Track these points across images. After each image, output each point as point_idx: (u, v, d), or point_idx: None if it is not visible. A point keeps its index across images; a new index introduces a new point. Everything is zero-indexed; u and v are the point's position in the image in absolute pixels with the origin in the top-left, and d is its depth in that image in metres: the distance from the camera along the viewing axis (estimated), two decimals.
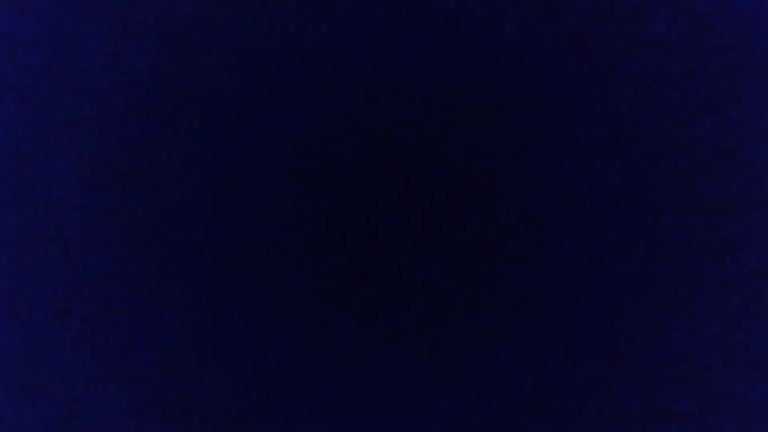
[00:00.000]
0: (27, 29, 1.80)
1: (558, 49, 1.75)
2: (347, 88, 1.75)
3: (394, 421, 1.72)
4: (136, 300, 1.75)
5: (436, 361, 1.72)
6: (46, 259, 1.77)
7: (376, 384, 1.72)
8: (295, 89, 1.75)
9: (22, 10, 1.79)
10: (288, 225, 1.74)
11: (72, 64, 1.79)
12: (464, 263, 1.72)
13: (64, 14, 1.79)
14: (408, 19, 1.75)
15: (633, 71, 1.75)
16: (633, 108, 1.75)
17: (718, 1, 1.76)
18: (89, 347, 1.75)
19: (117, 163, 1.77)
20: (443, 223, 1.73)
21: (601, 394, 1.71)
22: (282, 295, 1.74)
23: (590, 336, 1.71)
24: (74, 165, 1.77)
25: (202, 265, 1.75)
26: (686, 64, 1.76)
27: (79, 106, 1.78)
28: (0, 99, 1.79)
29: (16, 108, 1.79)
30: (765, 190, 1.74)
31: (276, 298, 1.74)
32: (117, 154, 1.77)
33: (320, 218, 1.74)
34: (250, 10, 1.77)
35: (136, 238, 1.76)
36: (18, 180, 1.78)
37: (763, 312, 1.72)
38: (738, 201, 1.74)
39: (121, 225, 1.76)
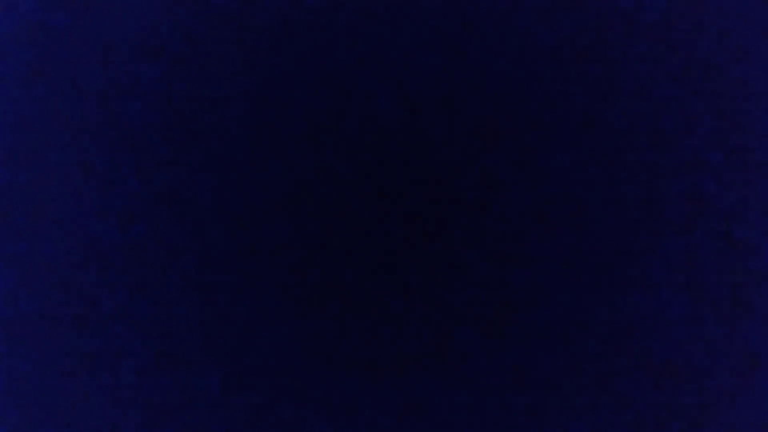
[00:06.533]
0: (27, 29, 1.80)
1: (558, 49, 1.75)
2: (349, 89, 1.75)
3: (394, 420, 1.72)
4: (135, 301, 1.75)
5: (437, 361, 1.72)
6: (46, 260, 1.77)
7: (376, 384, 1.72)
8: (297, 91, 1.76)
9: (22, 10, 1.79)
10: (288, 227, 1.74)
11: (74, 64, 1.79)
12: (466, 263, 1.72)
13: (65, 14, 1.79)
14: (408, 19, 1.75)
15: (633, 71, 1.76)
16: (632, 108, 1.75)
17: (718, 2, 1.76)
18: (89, 347, 1.75)
19: (118, 164, 1.77)
20: (445, 223, 1.73)
21: (600, 394, 1.71)
22: (282, 296, 1.74)
23: (590, 337, 1.72)
24: (74, 166, 1.77)
25: (202, 267, 1.75)
26: (686, 64, 1.76)
27: (78, 107, 1.78)
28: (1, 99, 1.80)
29: (17, 108, 1.79)
30: (765, 191, 1.74)
31: (275, 299, 1.74)
32: (118, 155, 1.77)
33: (321, 219, 1.74)
34: (250, 10, 1.77)
35: (136, 238, 1.76)
36: (18, 180, 1.79)
37: (763, 312, 1.73)
38: (738, 201, 1.74)
39: (121, 225, 1.76)
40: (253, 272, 1.74)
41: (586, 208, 1.73)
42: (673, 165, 1.74)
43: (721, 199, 1.74)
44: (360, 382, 1.72)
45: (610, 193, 1.74)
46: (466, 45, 1.75)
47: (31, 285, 1.77)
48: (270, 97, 1.76)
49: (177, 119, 1.77)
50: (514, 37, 1.75)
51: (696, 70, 1.76)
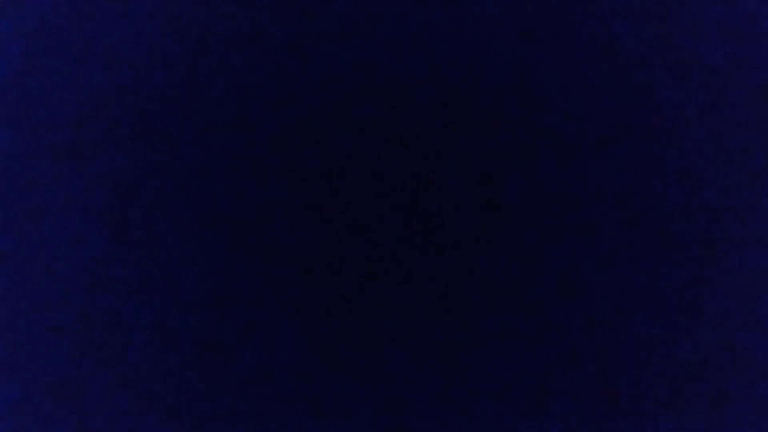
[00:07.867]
0: (30, 29, 1.80)
1: (558, 49, 1.75)
2: (349, 88, 1.75)
3: (394, 420, 1.72)
4: (136, 301, 1.75)
5: (438, 361, 1.72)
6: (47, 261, 1.77)
7: (375, 384, 1.72)
8: (297, 90, 1.76)
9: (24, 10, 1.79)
10: (289, 227, 1.74)
11: (73, 64, 1.79)
12: (466, 263, 1.72)
13: (67, 15, 1.79)
14: (409, 19, 1.75)
15: (633, 72, 1.76)
16: (633, 109, 1.75)
17: (718, 2, 1.76)
18: (89, 348, 1.75)
19: (118, 165, 1.77)
20: (445, 223, 1.73)
21: (600, 395, 1.71)
22: (282, 296, 1.74)
23: (589, 338, 1.72)
24: (75, 167, 1.78)
25: (202, 268, 1.75)
26: (686, 64, 1.76)
27: (77, 107, 1.78)
28: (2, 99, 1.80)
29: (18, 108, 1.80)
30: (765, 191, 1.74)
31: (276, 299, 1.74)
32: (118, 155, 1.77)
33: (322, 219, 1.74)
34: (250, 11, 1.77)
35: (137, 239, 1.76)
36: (18, 181, 1.79)
37: (763, 312, 1.73)
38: (738, 202, 1.74)
39: (121, 226, 1.76)
40: (253, 272, 1.74)
41: (587, 209, 1.73)
42: (675, 166, 1.74)
43: (721, 199, 1.74)
44: (359, 383, 1.72)
45: (611, 194, 1.74)
46: (465, 44, 1.75)
47: (30, 285, 1.77)
48: (269, 96, 1.76)
49: (176, 119, 1.77)
50: (514, 35, 1.75)
51: (696, 69, 1.76)
